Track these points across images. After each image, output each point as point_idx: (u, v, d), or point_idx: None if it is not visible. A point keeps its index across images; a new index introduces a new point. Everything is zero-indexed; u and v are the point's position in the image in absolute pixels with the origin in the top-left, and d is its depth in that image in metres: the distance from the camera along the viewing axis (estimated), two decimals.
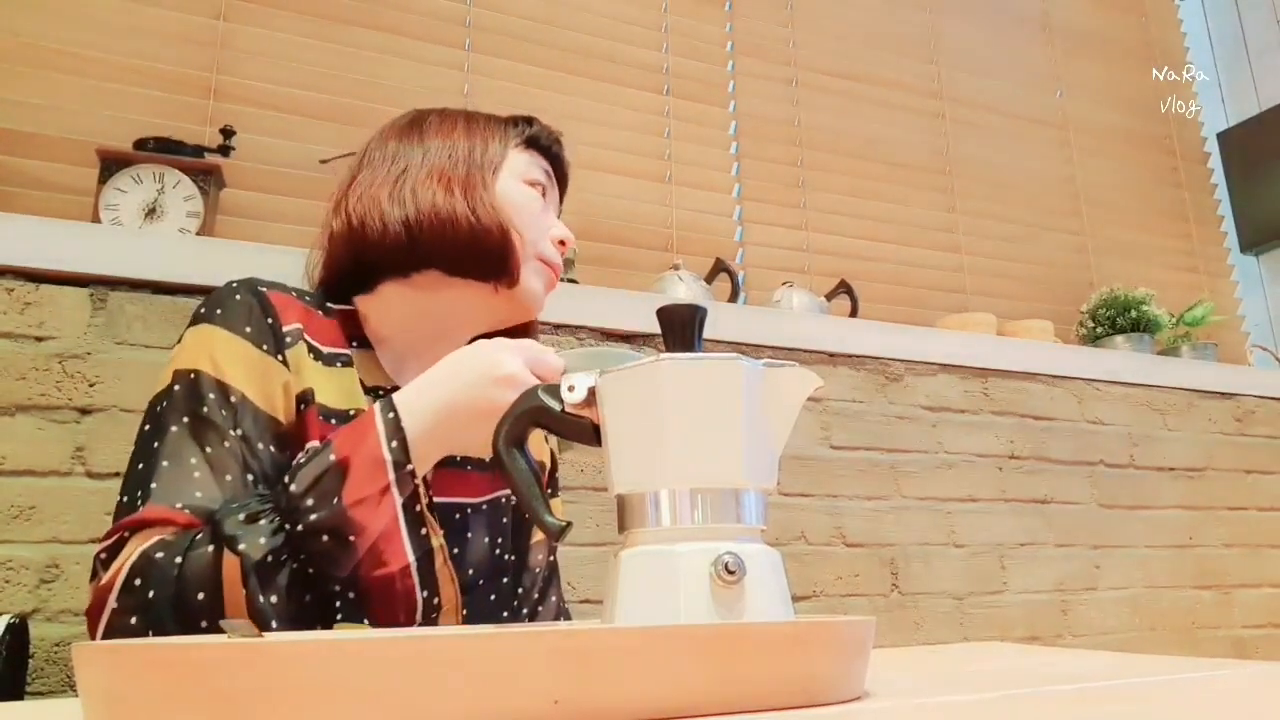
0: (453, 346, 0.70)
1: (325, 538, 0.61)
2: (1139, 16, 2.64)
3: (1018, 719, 0.40)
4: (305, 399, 0.71)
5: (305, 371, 0.72)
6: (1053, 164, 2.36)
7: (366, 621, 0.63)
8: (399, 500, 0.63)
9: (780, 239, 1.96)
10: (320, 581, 0.62)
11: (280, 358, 0.71)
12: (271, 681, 0.34)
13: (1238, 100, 2.67)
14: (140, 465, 0.66)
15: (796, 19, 2.11)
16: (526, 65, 1.79)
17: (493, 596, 0.81)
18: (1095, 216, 2.36)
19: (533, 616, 0.87)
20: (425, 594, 0.64)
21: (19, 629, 0.98)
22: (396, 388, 0.75)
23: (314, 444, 0.69)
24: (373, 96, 1.62)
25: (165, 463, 0.65)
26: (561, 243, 0.85)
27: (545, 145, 0.86)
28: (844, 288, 1.84)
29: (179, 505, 0.63)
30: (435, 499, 0.73)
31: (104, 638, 0.60)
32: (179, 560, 0.59)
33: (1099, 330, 2.11)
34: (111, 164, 1.33)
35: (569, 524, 0.56)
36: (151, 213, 1.32)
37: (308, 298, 0.78)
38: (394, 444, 0.63)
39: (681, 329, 0.53)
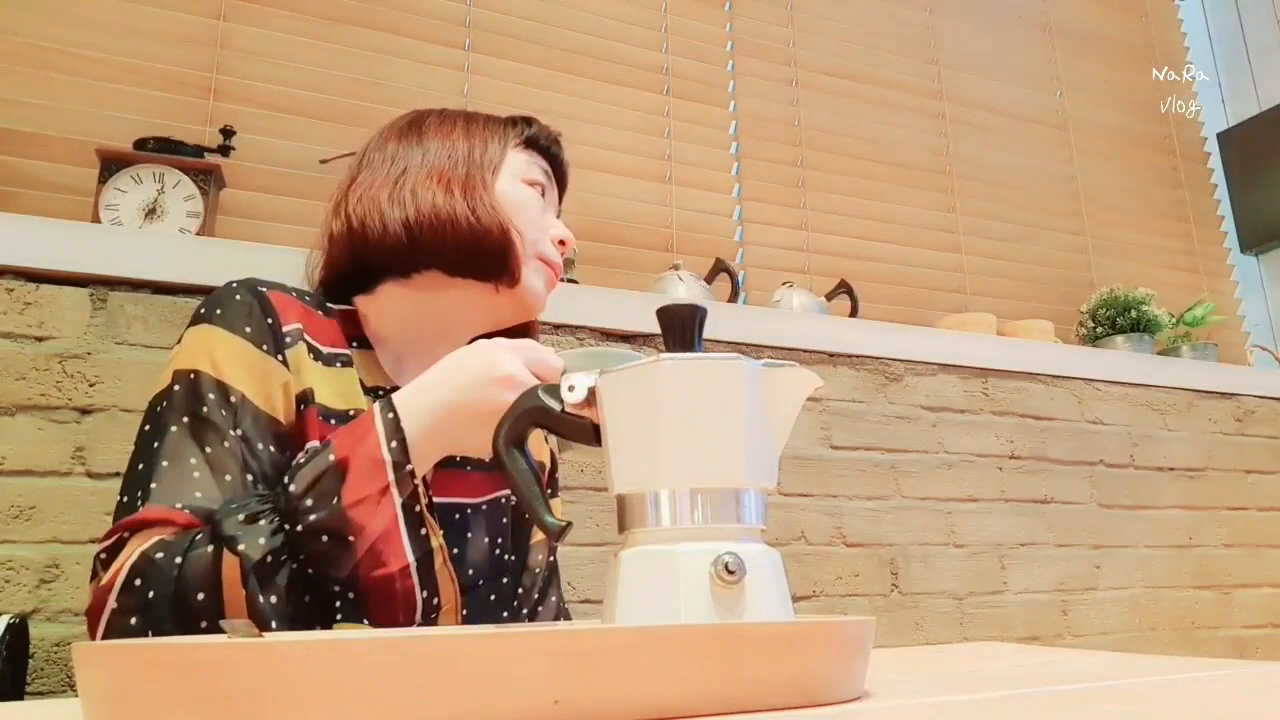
0: (453, 346, 0.70)
1: (325, 538, 0.61)
2: (1139, 16, 2.64)
3: (1018, 719, 0.40)
4: (305, 399, 0.71)
5: (305, 371, 0.72)
6: (1053, 164, 2.36)
7: (366, 621, 0.63)
8: (398, 500, 0.63)
9: (780, 239, 1.96)
10: (320, 582, 0.62)
11: (280, 358, 0.71)
12: (271, 681, 0.34)
13: (1238, 100, 2.67)
14: (140, 465, 0.66)
15: (796, 19, 2.11)
16: (526, 65, 1.79)
17: (492, 597, 0.81)
18: (1095, 216, 2.36)
19: (533, 616, 0.87)
20: (425, 594, 0.64)
21: (19, 629, 0.98)
22: (396, 388, 0.75)
23: (314, 444, 0.69)
24: (373, 96, 1.62)
25: (165, 463, 0.65)
26: (561, 242, 0.85)
27: (544, 145, 0.86)
28: (844, 288, 1.84)
29: (179, 505, 0.63)
30: (435, 499, 0.73)
31: (104, 638, 0.60)
32: (179, 561, 0.59)
33: (1099, 330, 2.11)
34: (111, 164, 1.33)
35: (569, 524, 0.56)
36: (151, 213, 1.32)
37: (307, 298, 0.78)
38: (393, 444, 0.63)
39: (681, 329, 0.53)
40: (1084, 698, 0.46)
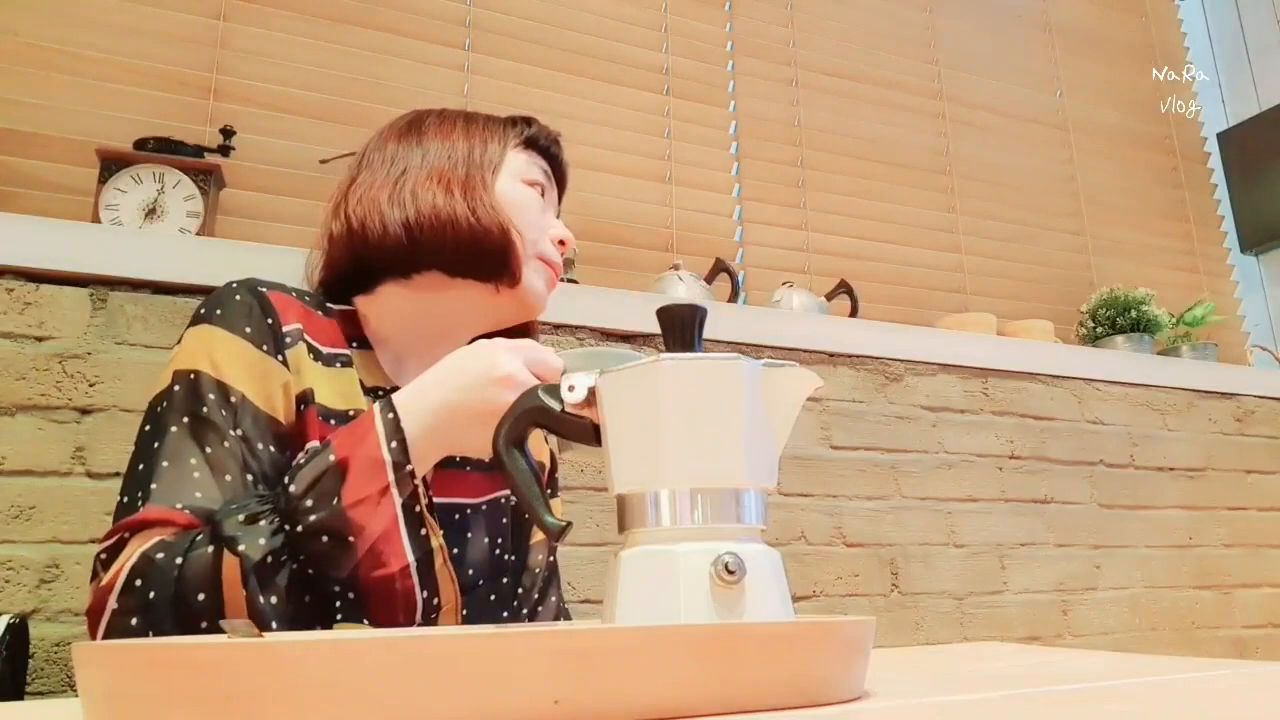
0: (453, 347, 0.70)
1: (325, 538, 0.61)
2: (1139, 16, 2.64)
3: (1018, 719, 0.40)
4: (305, 399, 0.71)
5: (305, 372, 0.72)
6: (1053, 164, 2.36)
7: (366, 622, 0.63)
8: (398, 501, 0.63)
9: (780, 239, 1.96)
10: (320, 582, 0.62)
11: (280, 358, 0.71)
12: (271, 681, 0.34)
13: (1238, 100, 2.67)
14: (140, 466, 0.66)
15: (796, 19, 2.11)
16: (526, 65, 1.79)
17: (492, 597, 0.81)
18: (1095, 216, 2.36)
19: (532, 616, 0.87)
20: (425, 594, 0.64)
21: (19, 629, 0.99)
22: (396, 388, 0.75)
23: (314, 444, 0.69)
24: (373, 96, 1.62)
25: (165, 463, 0.65)
26: (561, 242, 0.85)
27: (544, 145, 0.86)
28: (844, 288, 1.84)
29: (179, 506, 0.63)
30: (435, 499, 0.73)
31: (105, 638, 0.60)
32: (179, 561, 0.59)
33: (1099, 330, 2.11)
34: (111, 164, 1.33)
35: (569, 524, 0.56)
36: (151, 213, 1.32)
37: (307, 298, 0.78)
38: (393, 444, 0.63)
39: (681, 329, 0.53)
40: (1084, 698, 0.46)
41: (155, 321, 1.21)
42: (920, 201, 2.13)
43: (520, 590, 0.86)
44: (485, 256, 0.78)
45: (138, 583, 0.59)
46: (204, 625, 0.58)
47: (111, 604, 0.59)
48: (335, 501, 0.61)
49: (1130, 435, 1.97)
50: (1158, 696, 0.47)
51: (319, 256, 0.83)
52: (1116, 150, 2.46)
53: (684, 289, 1.64)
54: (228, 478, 0.65)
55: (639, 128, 1.87)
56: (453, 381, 0.65)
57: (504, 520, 0.84)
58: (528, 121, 0.86)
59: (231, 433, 0.67)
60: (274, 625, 0.59)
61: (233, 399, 0.68)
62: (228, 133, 1.45)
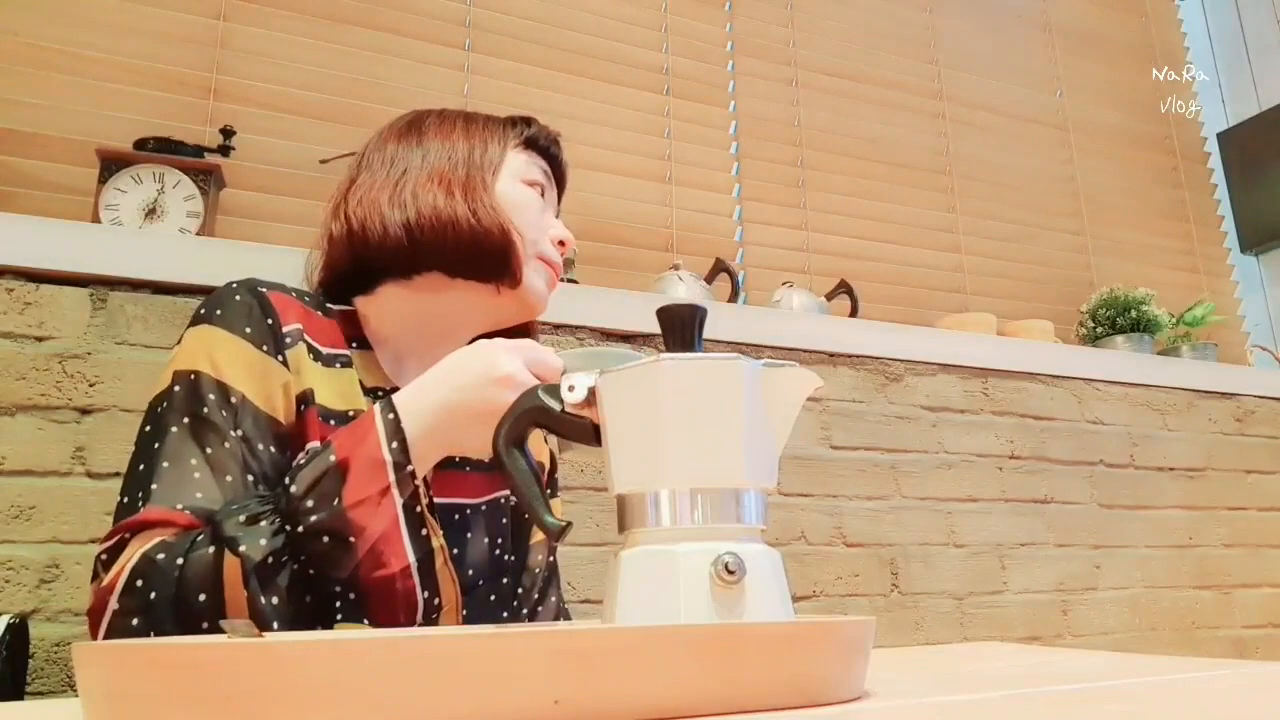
0: (453, 347, 0.70)
1: (325, 539, 0.61)
2: (1139, 16, 2.64)
3: (1018, 719, 0.40)
4: (305, 400, 0.71)
5: (305, 372, 0.72)
6: (1053, 164, 2.36)
7: (366, 622, 0.63)
8: (399, 501, 0.63)
9: (780, 239, 1.96)
10: (321, 582, 0.62)
11: (280, 358, 0.71)
12: (271, 681, 0.34)
13: (1238, 100, 2.67)
14: (141, 466, 0.66)
15: (796, 19, 2.11)
16: (526, 65, 1.79)
17: (492, 597, 0.81)
18: (1095, 216, 2.36)
19: (532, 616, 0.87)
20: (426, 594, 0.64)
21: (19, 629, 0.99)
22: (396, 388, 0.75)
23: (314, 445, 0.69)
24: (373, 96, 1.62)
25: (166, 464, 0.65)
26: (561, 243, 0.85)
27: (544, 146, 0.86)
28: (844, 288, 1.84)
29: (179, 506, 0.63)
30: (435, 500, 0.73)
31: (106, 638, 0.60)
32: (180, 562, 0.59)
33: (1099, 330, 2.11)
34: (111, 164, 1.33)
35: (569, 524, 0.56)
36: (151, 213, 1.32)
37: (307, 298, 0.78)
38: (394, 445, 0.63)
39: (681, 329, 0.53)
40: (1084, 698, 0.46)
41: (155, 321, 1.21)
42: (920, 201, 2.13)
43: (520, 590, 0.86)
44: (486, 257, 0.78)
45: (139, 583, 0.59)
46: (205, 626, 0.58)
47: (113, 604, 0.59)
48: (336, 502, 0.61)
49: (1130, 435, 1.97)
50: (1158, 696, 0.47)
51: (319, 257, 0.83)
52: (1116, 150, 2.46)
53: (684, 289, 1.64)
54: (228, 478, 0.65)
55: (639, 128, 1.87)
56: (453, 381, 0.65)
57: (504, 520, 0.85)
58: (527, 122, 0.86)
59: (232, 433, 0.67)
60: (275, 625, 0.59)
61: (233, 399, 0.68)
62: (228, 133, 1.45)
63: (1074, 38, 2.50)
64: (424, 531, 0.64)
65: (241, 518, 0.61)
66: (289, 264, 0.98)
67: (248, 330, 0.71)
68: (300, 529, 0.61)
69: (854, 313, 1.83)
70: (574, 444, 0.56)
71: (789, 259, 1.95)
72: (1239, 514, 2.04)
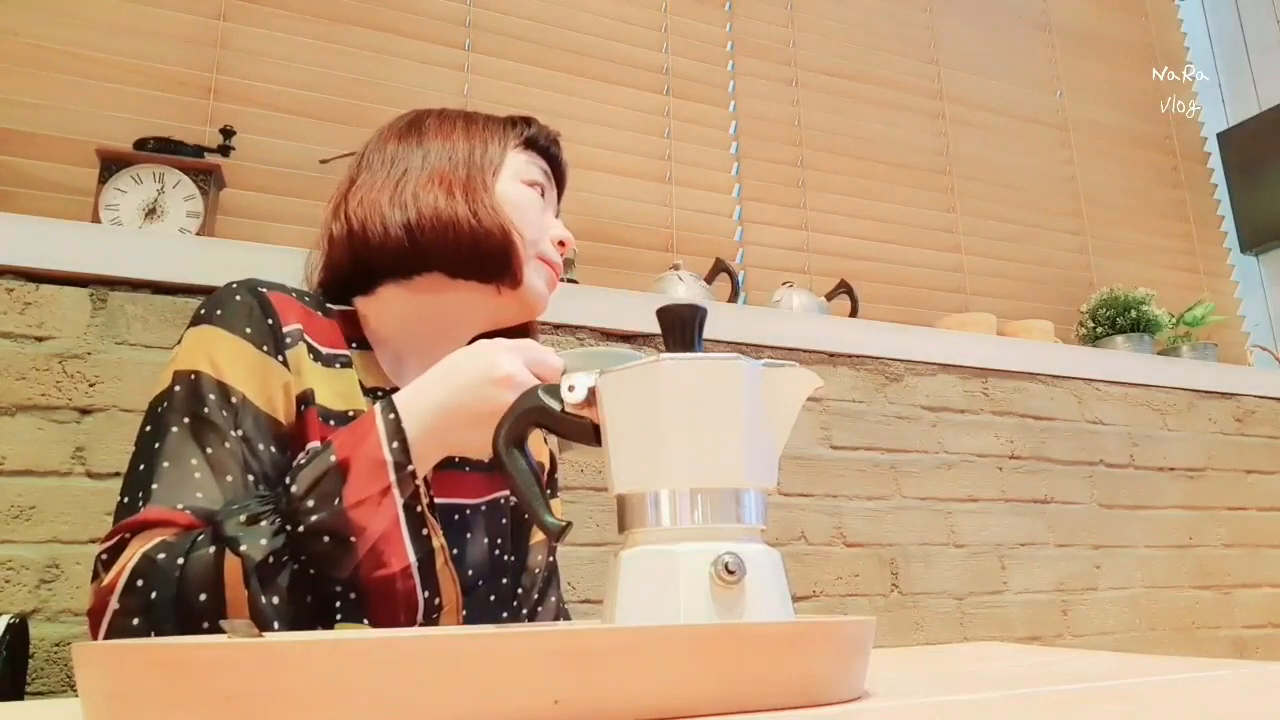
0: (453, 347, 0.70)
1: (326, 539, 0.61)
2: (1139, 16, 2.64)
3: (1018, 719, 0.40)
4: (306, 400, 0.71)
5: (305, 372, 0.72)
6: (1053, 164, 2.36)
7: (366, 622, 0.63)
8: (400, 501, 0.63)
9: (780, 239, 1.96)
10: (321, 582, 0.62)
11: (280, 358, 0.71)
12: (271, 681, 0.34)
13: (1238, 100, 2.67)
14: (141, 466, 0.66)
15: (796, 19, 2.11)
16: (526, 65, 1.79)
17: (492, 597, 0.81)
18: (1095, 216, 2.36)
19: (532, 617, 0.87)
20: (426, 594, 0.64)
21: (19, 629, 0.99)
22: (396, 389, 0.75)
23: (314, 445, 0.69)
24: (373, 96, 1.62)
25: (166, 464, 0.65)
26: (561, 243, 0.85)
27: (544, 145, 0.86)
28: (844, 288, 1.84)
29: (180, 506, 0.63)
30: (435, 500, 0.73)
31: (106, 638, 0.60)
32: (181, 562, 0.59)
33: (1099, 330, 2.11)
34: (111, 164, 1.33)
35: (569, 524, 0.56)
36: (151, 213, 1.32)
37: (307, 298, 0.78)
38: (395, 445, 0.63)
39: (681, 329, 0.53)
40: (1084, 698, 0.46)
41: (155, 321, 1.21)
42: (920, 201, 2.13)
43: (520, 590, 0.86)
44: (487, 258, 0.78)
45: (139, 583, 0.59)
46: (205, 625, 0.58)
47: (113, 604, 0.59)
48: (336, 502, 0.61)
49: (1130, 435, 1.97)
50: (1158, 696, 0.47)
51: (319, 257, 0.83)
52: (1116, 150, 2.46)
53: (684, 289, 1.64)
54: (229, 478, 0.65)
55: (639, 128, 1.87)
56: (453, 382, 0.65)
57: (503, 521, 0.85)
58: (527, 122, 0.86)
59: (232, 433, 0.67)
60: (275, 625, 0.59)
61: (233, 399, 0.68)
62: (228, 133, 1.45)
63: (1074, 38, 2.50)
64: (424, 531, 0.64)
65: (242, 518, 0.61)
66: (289, 264, 0.98)
67: (248, 330, 0.71)
68: (301, 529, 0.61)
69: (854, 313, 1.83)
70: (574, 444, 0.56)
71: (789, 259, 1.95)
72: (1239, 514, 2.04)
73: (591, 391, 0.53)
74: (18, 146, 1.37)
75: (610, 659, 0.37)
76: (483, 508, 0.82)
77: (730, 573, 0.46)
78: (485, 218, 0.77)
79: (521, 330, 0.87)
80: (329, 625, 0.63)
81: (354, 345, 0.79)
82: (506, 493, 0.85)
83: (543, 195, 0.85)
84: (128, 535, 0.63)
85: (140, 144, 1.37)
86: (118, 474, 1.08)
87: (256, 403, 0.69)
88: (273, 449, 0.69)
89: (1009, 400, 1.86)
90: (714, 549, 0.47)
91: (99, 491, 1.13)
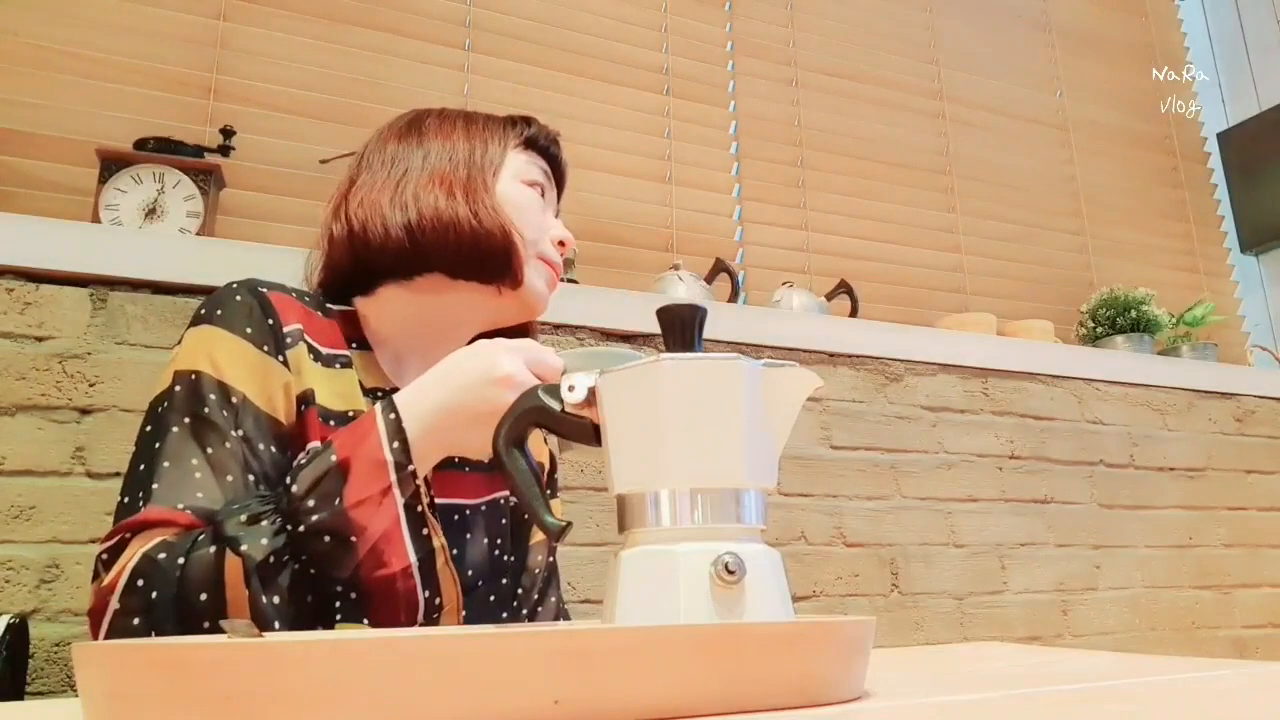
0: (453, 347, 0.70)
1: (326, 539, 0.61)
2: (1139, 16, 2.64)
3: (1018, 719, 0.40)
4: (306, 400, 0.71)
5: (305, 372, 0.72)
6: (1053, 164, 2.36)
7: (366, 621, 0.63)
8: (400, 501, 0.63)
9: (780, 239, 1.96)
10: (322, 582, 0.62)
11: (281, 358, 0.71)
12: (271, 681, 0.34)
13: (1238, 100, 2.67)
14: (141, 466, 0.66)
15: (796, 19, 2.11)
16: (526, 65, 1.79)
17: (492, 597, 0.81)
18: (1095, 216, 2.36)
19: (532, 617, 0.87)
20: (427, 594, 0.64)
21: (19, 629, 0.99)
22: (396, 389, 0.75)
23: (315, 445, 0.69)
24: (373, 96, 1.62)
25: (166, 463, 0.65)
26: (561, 243, 0.85)
27: (544, 145, 0.86)
28: (844, 288, 1.84)
29: (180, 506, 0.63)
30: (435, 500, 0.73)
31: (107, 638, 0.60)
32: (181, 561, 0.59)
33: (1099, 330, 2.11)
34: (111, 164, 1.33)
35: (569, 524, 0.56)
36: (151, 213, 1.32)
37: (307, 298, 0.78)
38: (395, 445, 0.63)
39: (681, 329, 0.53)
40: (1084, 698, 0.46)
41: (155, 321, 1.21)
42: (920, 201, 2.13)
43: (520, 591, 0.86)
44: (487, 259, 0.78)
45: (140, 583, 0.59)
46: (206, 625, 0.58)
47: (114, 604, 0.59)
48: (337, 502, 0.61)
49: (1130, 435, 1.97)
50: (1158, 696, 0.47)
51: (319, 257, 0.83)
52: (1116, 150, 2.46)
53: (684, 289, 1.64)
54: (229, 478, 0.65)
55: (639, 128, 1.87)
56: (453, 382, 0.65)
57: (503, 521, 0.85)
58: (527, 121, 0.86)
59: (233, 433, 0.67)
60: (276, 625, 0.59)
61: (234, 399, 0.68)
62: (228, 133, 1.45)
63: (1074, 38, 2.50)
64: (425, 531, 0.64)
65: (243, 517, 0.61)
66: (289, 264, 0.98)
67: (248, 330, 0.71)
68: (301, 528, 0.61)
69: (854, 313, 1.83)
70: (574, 444, 0.56)
71: (789, 259, 1.95)
72: (1239, 514, 2.04)
73: (591, 391, 0.53)
74: (18, 146, 1.37)
75: (610, 659, 0.37)
76: (483, 508, 0.82)
77: (730, 573, 0.46)
78: (486, 218, 0.77)
79: (521, 330, 0.87)
80: (329, 625, 0.63)
81: (354, 345, 0.79)
82: (506, 493, 0.85)
83: (543, 195, 0.85)
84: (128, 535, 0.63)
85: (140, 144, 1.37)
86: (118, 474, 1.08)
87: (257, 403, 0.69)
88: (273, 449, 0.69)
89: (1009, 400, 1.86)
90: (714, 549, 0.47)
91: (99, 491, 1.13)
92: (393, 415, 0.64)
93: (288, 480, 0.63)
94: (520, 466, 0.55)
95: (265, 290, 0.74)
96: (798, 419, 0.53)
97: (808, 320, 1.71)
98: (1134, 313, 2.08)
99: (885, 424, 1.72)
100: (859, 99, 2.14)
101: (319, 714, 0.33)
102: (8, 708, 0.52)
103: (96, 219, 1.29)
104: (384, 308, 0.81)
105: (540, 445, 0.92)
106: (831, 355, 1.70)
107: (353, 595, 0.63)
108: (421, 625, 0.65)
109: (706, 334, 0.54)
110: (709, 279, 1.72)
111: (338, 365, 0.76)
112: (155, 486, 0.64)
